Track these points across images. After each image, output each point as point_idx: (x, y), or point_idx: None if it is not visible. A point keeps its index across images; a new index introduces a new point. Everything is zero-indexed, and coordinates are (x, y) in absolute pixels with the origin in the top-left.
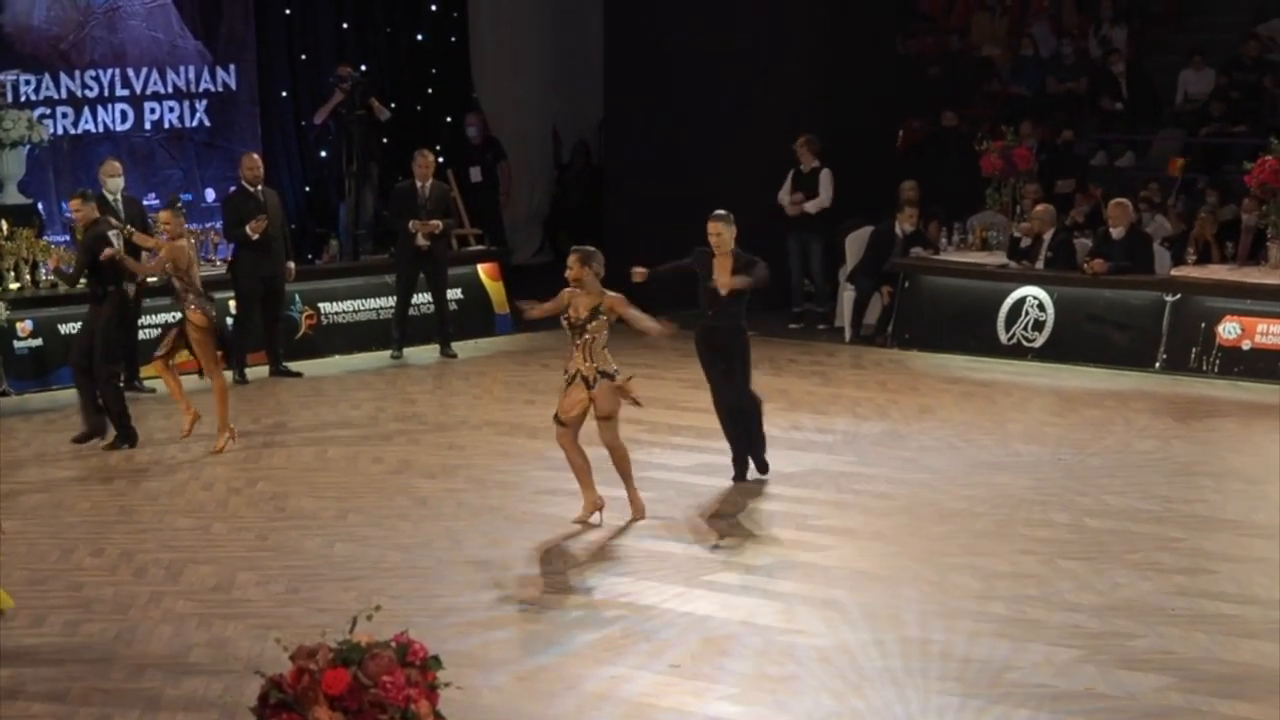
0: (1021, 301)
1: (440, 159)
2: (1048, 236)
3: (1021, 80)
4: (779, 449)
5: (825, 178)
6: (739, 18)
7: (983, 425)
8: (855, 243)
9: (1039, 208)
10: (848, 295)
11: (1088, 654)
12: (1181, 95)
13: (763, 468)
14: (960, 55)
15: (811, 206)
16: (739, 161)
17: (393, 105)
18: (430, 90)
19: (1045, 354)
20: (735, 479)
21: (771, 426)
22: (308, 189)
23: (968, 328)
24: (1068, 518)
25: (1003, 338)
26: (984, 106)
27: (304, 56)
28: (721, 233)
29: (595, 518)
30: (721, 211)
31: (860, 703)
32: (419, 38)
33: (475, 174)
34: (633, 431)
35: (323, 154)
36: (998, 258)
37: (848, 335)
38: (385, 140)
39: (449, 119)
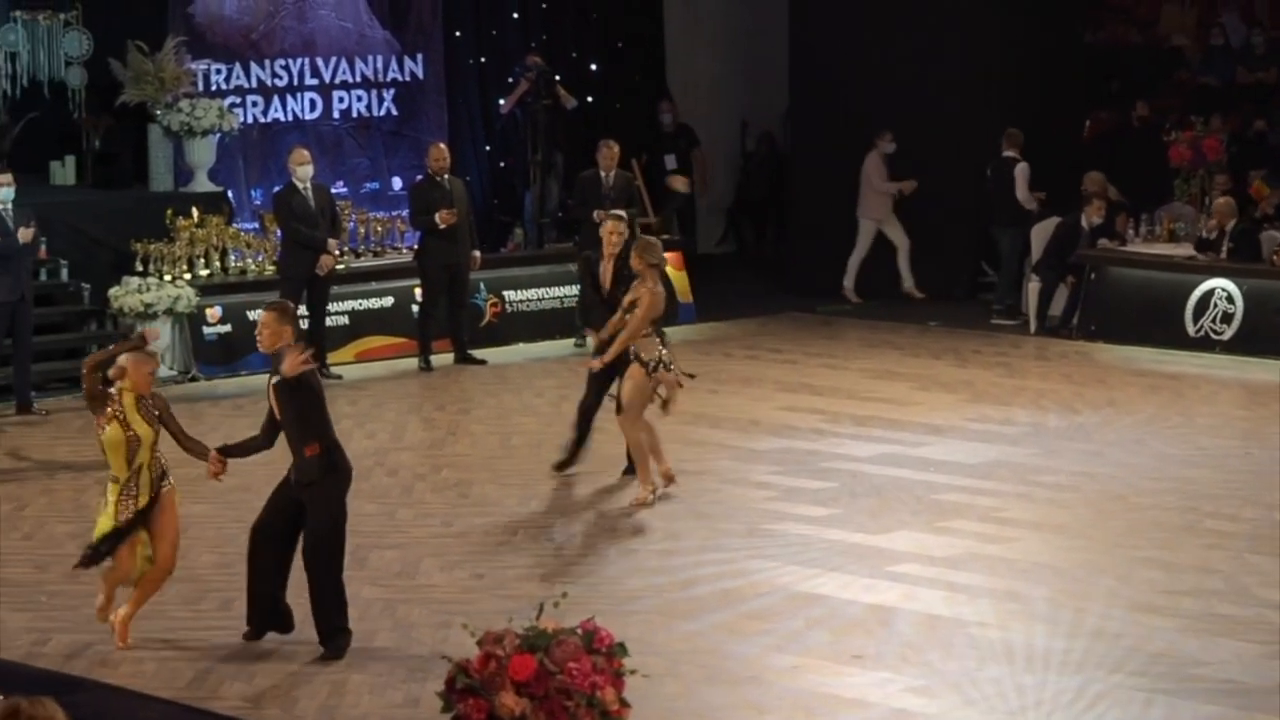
0: (1210, 294)
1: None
2: (1229, 228)
3: (1211, 70)
4: (963, 440)
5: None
6: (925, 8)
7: (1169, 419)
8: (1041, 234)
9: (1220, 200)
10: (1032, 287)
11: (1277, 650)
12: None
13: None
14: (1148, 46)
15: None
16: (923, 152)
17: (590, 100)
18: (622, 78)
19: (1234, 347)
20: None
21: (955, 417)
22: (493, 178)
23: (1154, 320)
24: (1255, 513)
25: (1190, 330)
26: (1172, 97)
27: (491, 46)
28: (613, 234)
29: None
30: (619, 212)
31: (1045, 695)
32: (610, 27)
33: (670, 161)
34: (814, 421)
35: (508, 143)
36: (1185, 249)
37: (1033, 327)
38: (586, 127)
39: (642, 107)
